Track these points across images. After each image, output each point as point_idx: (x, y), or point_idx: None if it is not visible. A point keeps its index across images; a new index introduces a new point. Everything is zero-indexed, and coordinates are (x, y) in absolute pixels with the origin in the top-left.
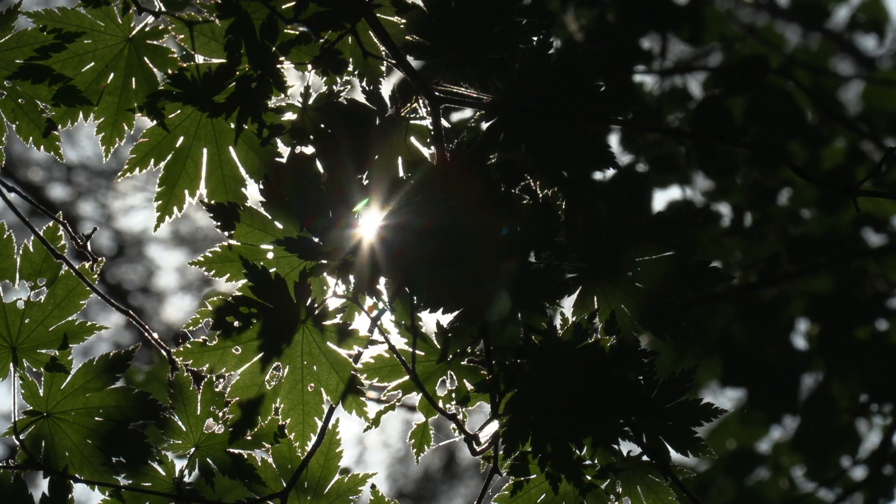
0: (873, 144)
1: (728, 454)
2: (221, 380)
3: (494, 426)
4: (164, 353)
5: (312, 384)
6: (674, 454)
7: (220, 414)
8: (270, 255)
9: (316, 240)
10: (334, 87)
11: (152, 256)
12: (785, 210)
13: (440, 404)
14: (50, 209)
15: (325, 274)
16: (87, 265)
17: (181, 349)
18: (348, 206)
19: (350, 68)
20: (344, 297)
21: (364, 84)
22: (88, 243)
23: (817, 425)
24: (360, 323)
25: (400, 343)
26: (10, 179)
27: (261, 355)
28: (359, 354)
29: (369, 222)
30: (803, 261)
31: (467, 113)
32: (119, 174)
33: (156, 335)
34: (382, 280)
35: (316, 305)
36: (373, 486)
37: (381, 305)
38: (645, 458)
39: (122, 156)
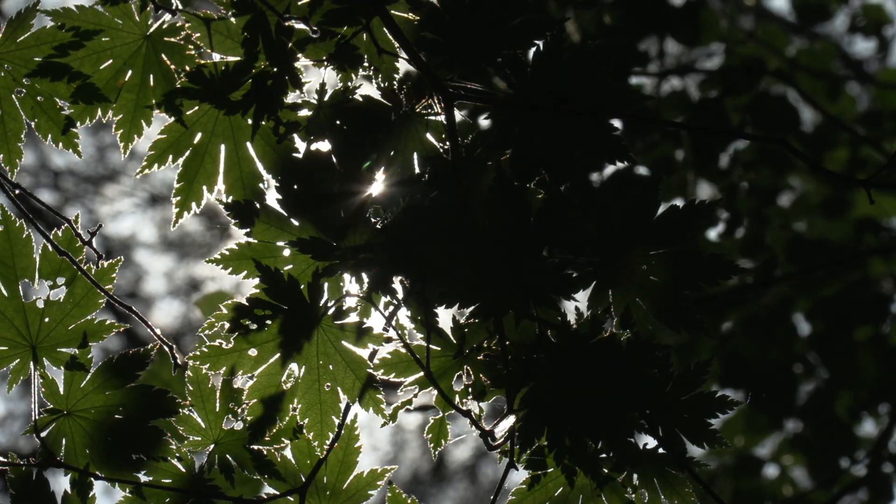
0: (873, 147)
1: (733, 454)
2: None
3: (509, 421)
4: (167, 349)
5: (329, 384)
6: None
7: (239, 411)
8: (287, 253)
9: (328, 239)
10: (350, 83)
11: (140, 261)
12: (786, 213)
13: (456, 400)
14: (37, 214)
15: (338, 273)
16: (104, 265)
17: (199, 353)
18: (362, 204)
19: (366, 64)
20: (358, 296)
21: (379, 80)
22: (93, 240)
23: (817, 425)
24: (375, 321)
25: (416, 339)
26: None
27: (277, 356)
28: (374, 351)
29: (383, 219)
30: (804, 263)
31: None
32: (137, 170)
33: (159, 331)
34: (397, 277)
35: (330, 305)
36: (390, 483)
37: (394, 303)
38: (661, 450)
39: (111, 160)
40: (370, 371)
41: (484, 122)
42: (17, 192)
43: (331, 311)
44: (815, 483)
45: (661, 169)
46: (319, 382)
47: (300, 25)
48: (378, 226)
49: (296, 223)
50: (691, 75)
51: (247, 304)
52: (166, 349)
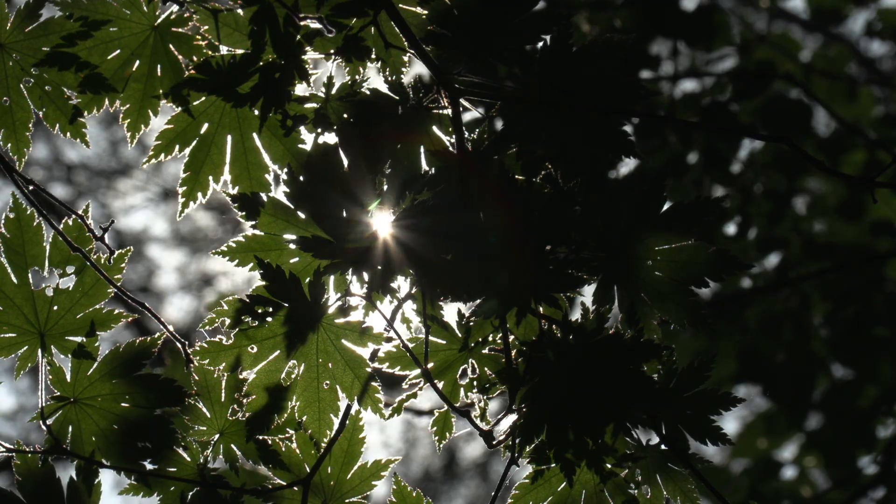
0: (886, 151)
1: (753, 456)
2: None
3: (510, 419)
4: (179, 346)
5: (328, 381)
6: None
7: (242, 402)
8: (293, 246)
9: (330, 238)
10: (357, 76)
11: (152, 256)
12: (797, 216)
13: (462, 393)
14: (50, 208)
15: (339, 272)
16: (114, 255)
17: (198, 348)
18: (366, 200)
19: (373, 56)
20: (358, 295)
21: (387, 74)
22: (106, 235)
23: (834, 425)
24: (375, 319)
25: (423, 332)
26: (9, 178)
27: (276, 353)
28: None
29: (386, 216)
30: (817, 264)
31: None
32: (144, 160)
33: (171, 328)
34: (399, 276)
35: (330, 303)
36: (395, 475)
37: (396, 300)
38: (664, 446)
39: (124, 154)
40: (369, 370)
41: (491, 116)
42: (31, 188)
43: (331, 310)
44: (832, 483)
45: (672, 170)
46: (318, 380)
47: (315, 24)
48: (380, 223)
49: (302, 216)
50: (703, 79)
51: (247, 300)
52: (178, 345)
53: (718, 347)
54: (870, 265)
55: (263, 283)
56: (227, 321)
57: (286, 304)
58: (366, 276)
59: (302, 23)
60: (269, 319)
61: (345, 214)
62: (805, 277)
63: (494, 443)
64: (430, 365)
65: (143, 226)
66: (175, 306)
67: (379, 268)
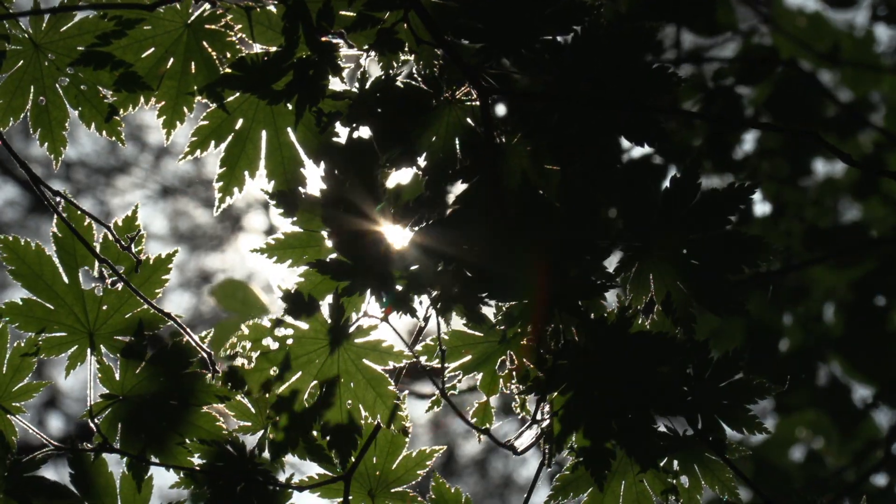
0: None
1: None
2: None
3: (534, 430)
4: (205, 356)
5: (350, 401)
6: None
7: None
8: (329, 243)
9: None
10: (391, 70)
11: (151, 253)
12: (801, 203)
13: (500, 383)
14: (50, 205)
15: (358, 293)
16: (162, 254)
17: (220, 374)
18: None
19: (405, 48)
20: (376, 317)
21: (419, 67)
22: (132, 246)
23: (837, 410)
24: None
25: (458, 324)
26: (10, 175)
27: (299, 375)
28: (417, 332)
29: (405, 230)
30: (828, 248)
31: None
32: (181, 156)
33: (197, 339)
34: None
35: (351, 323)
36: (434, 473)
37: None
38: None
39: (123, 151)
40: (392, 388)
41: (520, 110)
42: (58, 199)
43: (351, 330)
44: (837, 466)
45: (677, 155)
46: (341, 400)
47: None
48: (398, 239)
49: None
50: (708, 63)
51: (267, 324)
52: (205, 356)
53: (729, 328)
54: (882, 249)
55: (283, 306)
56: (249, 345)
57: (306, 327)
58: (385, 297)
59: (324, 38)
60: (290, 342)
61: (362, 232)
62: (812, 261)
63: (521, 450)
64: (468, 357)
65: (142, 223)
66: (174, 303)
67: (400, 288)
